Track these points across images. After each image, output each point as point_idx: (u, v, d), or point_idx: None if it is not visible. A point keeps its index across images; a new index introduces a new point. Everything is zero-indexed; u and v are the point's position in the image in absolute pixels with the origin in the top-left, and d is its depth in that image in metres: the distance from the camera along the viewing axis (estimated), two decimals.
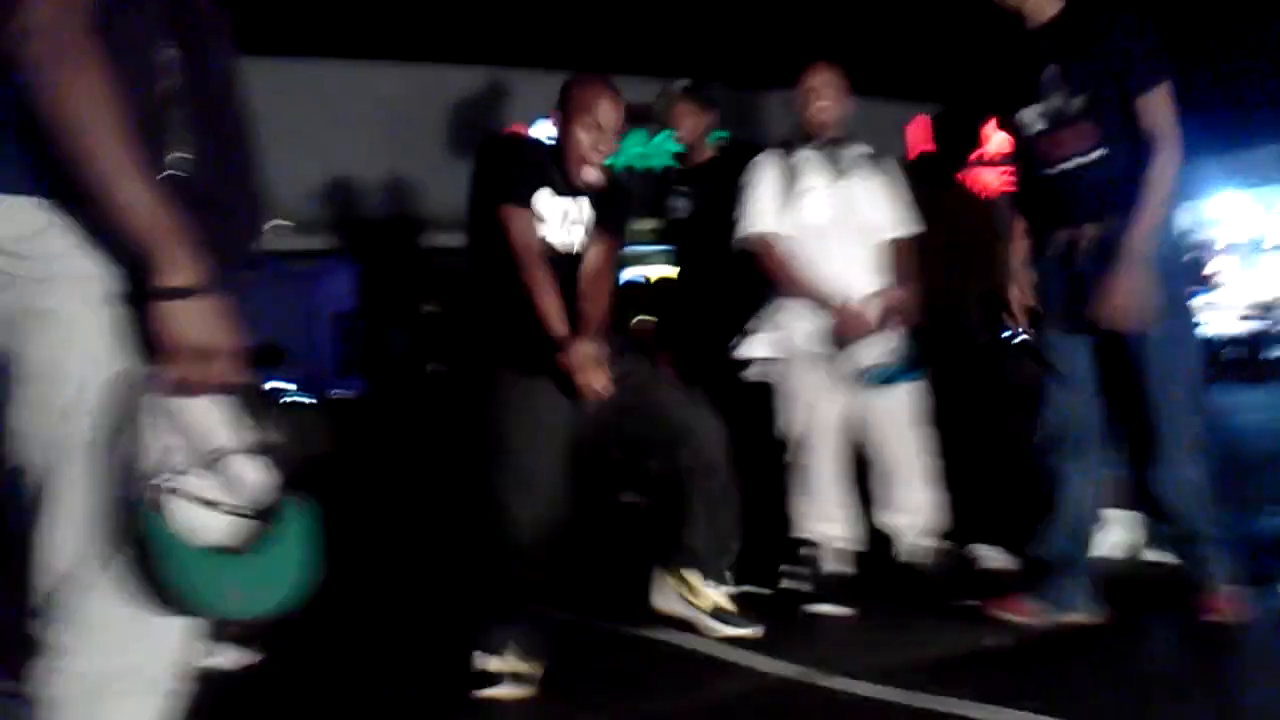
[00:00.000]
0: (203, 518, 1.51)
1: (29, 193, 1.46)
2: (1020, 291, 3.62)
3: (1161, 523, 3.52)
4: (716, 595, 3.35)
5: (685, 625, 3.47)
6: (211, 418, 1.54)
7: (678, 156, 4.73)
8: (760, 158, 4.06)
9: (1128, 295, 3.22)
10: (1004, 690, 2.87)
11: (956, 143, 4.83)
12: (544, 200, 3.29)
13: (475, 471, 3.29)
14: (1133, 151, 3.30)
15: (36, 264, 1.46)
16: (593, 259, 3.37)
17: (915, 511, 3.90)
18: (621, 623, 3.69)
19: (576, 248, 3.36)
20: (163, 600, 1.48)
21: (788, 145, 4.02)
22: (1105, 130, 3.33)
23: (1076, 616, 3.46)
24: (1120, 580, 3.71)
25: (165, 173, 1.50)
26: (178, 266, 1.43)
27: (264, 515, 1.56)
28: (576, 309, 3.23)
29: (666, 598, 3.35)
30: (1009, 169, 3.87)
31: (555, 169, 3.32)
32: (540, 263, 3.19)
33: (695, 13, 14.51)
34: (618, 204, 3.46)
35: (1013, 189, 3.75)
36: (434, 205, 11.73)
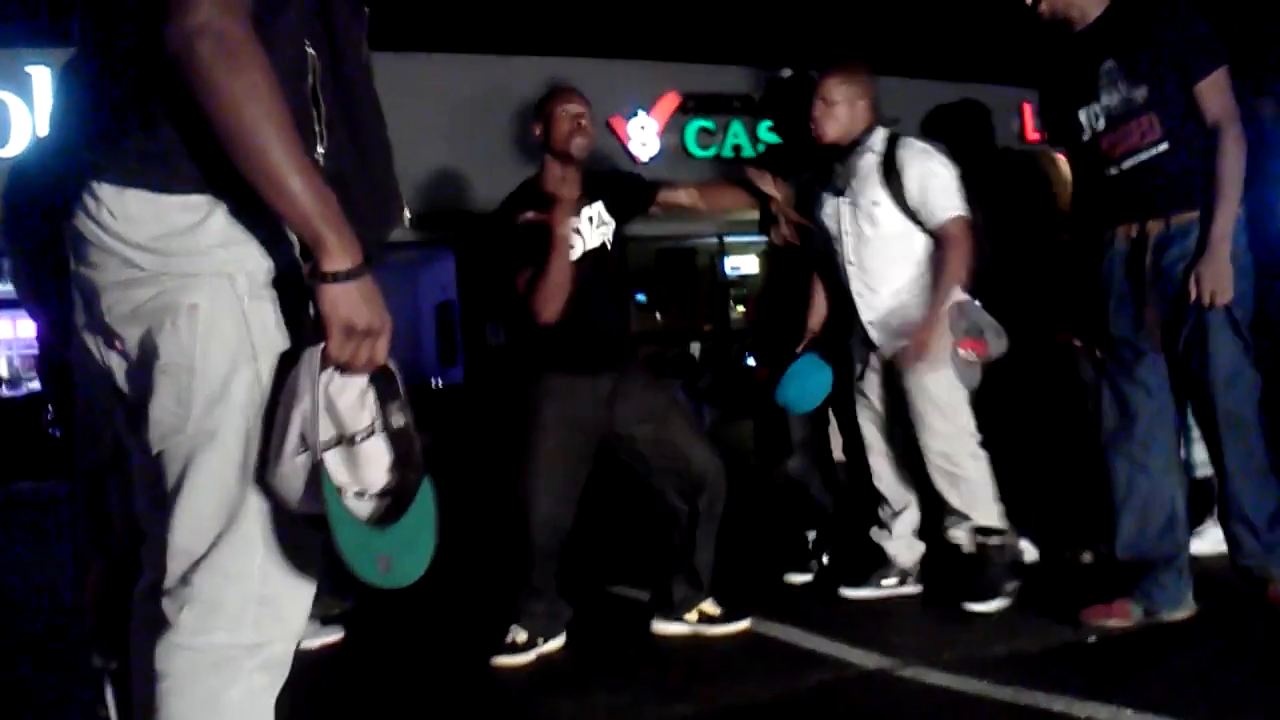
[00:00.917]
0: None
1: (178, 191, 1.49)
2: (1074, 294, 3.61)
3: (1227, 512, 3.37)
4: (703, 606, 3.71)
5: (774, 615, 3.78)
6: (356, 396, 1.58)
7: (777, 148, 4.70)
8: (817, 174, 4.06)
9: (1215, 279, 3.18)
10: (1090, 684, 2.81)
11: (972, 131, 4.66)
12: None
13: (508, 463, 3.61)
14: (1196, 143, 3.23)
15: (181, 260, 1.50)
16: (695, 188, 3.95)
17: (951, 508, 3.79)
18: None
19: (610, 242, 3.69)
20: (327, 588, 1.51)
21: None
22: (1168, 122, 3.25)
23: (1179, 614, 3.36)
24: (1223, 577, 3.59)
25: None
26: (343, 251, 1.47)
27: (394, 494, 1.60)
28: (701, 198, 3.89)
29: (664, 621, 3.72)
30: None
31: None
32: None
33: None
34: (621, 180, 3.86)
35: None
36: None
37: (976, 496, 3.76)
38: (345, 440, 1.57)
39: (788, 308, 4.44)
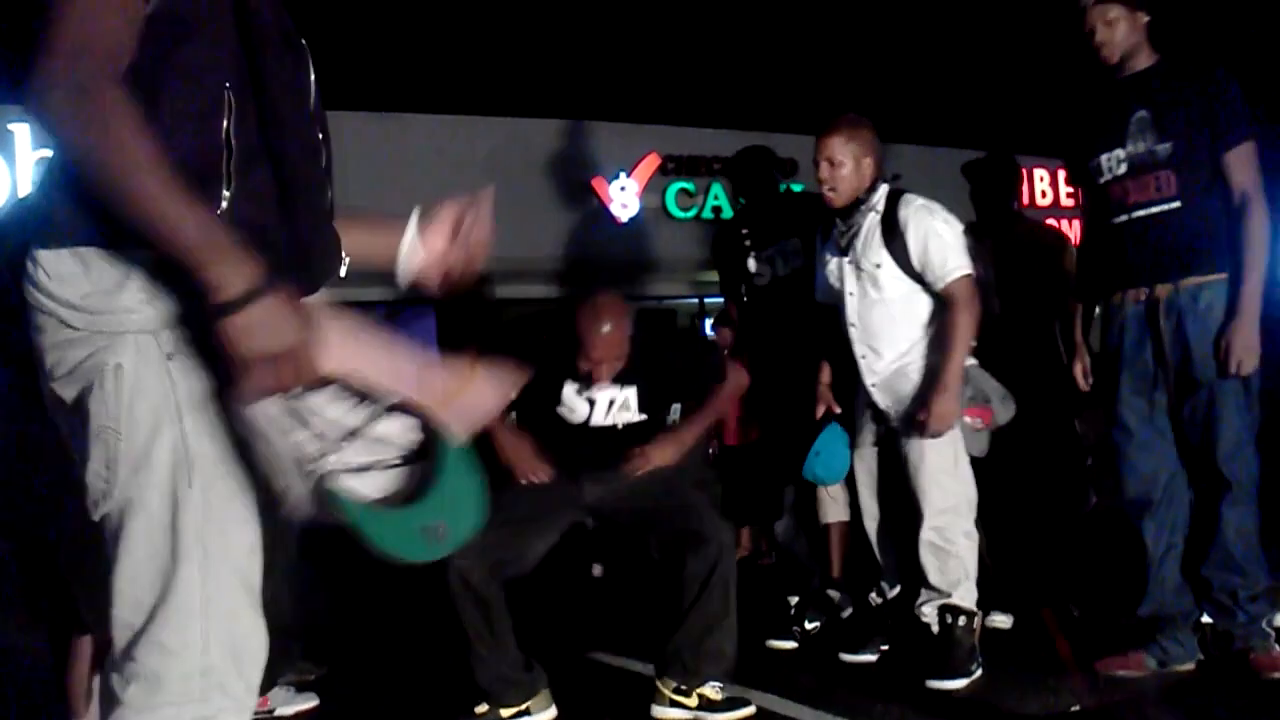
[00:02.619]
0: (367, 482, 1.52)
1: (98, 244, 1.46)
2: (1081, 359, 3.70)
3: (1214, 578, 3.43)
4: (705, 690, 3.44)
5: (757, 683, 3.64)
6: (334, 401, 1.53)
7: (745, 210, 4.71)
8: (821, 229, 4.02)
9: (1244, 347, 3.25)
10: None
11: (997, 189, 4.70)
12: (572, 389, 3.52)
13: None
14: (1208, 208, 3.32)
15: (107, 319, 1.47)
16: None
17: (930, 583, 3.73)
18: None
19: (625, 424, 3.55)
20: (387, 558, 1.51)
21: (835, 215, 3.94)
22: (1185, 182, 3.33)
23: (1188, 665, 3.44)
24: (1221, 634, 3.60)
25: (218, 209, 1.49)
26: (232, 277, 1.39)
27: (421, 455, 1.57)
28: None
29: (661, 707, 3.46)
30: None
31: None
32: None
33: (781, 64, 14.59)
34: (667, 381, 3.61)
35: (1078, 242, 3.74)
36: (513, 256, 11.87)
37: (960, 575, 3.69)
38: (355, 431, 1.53)
39: (770, 369, 4.45)
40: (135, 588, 1.48)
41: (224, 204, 1.50)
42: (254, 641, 1.56)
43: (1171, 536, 3.45)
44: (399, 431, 1.57)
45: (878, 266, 3.73)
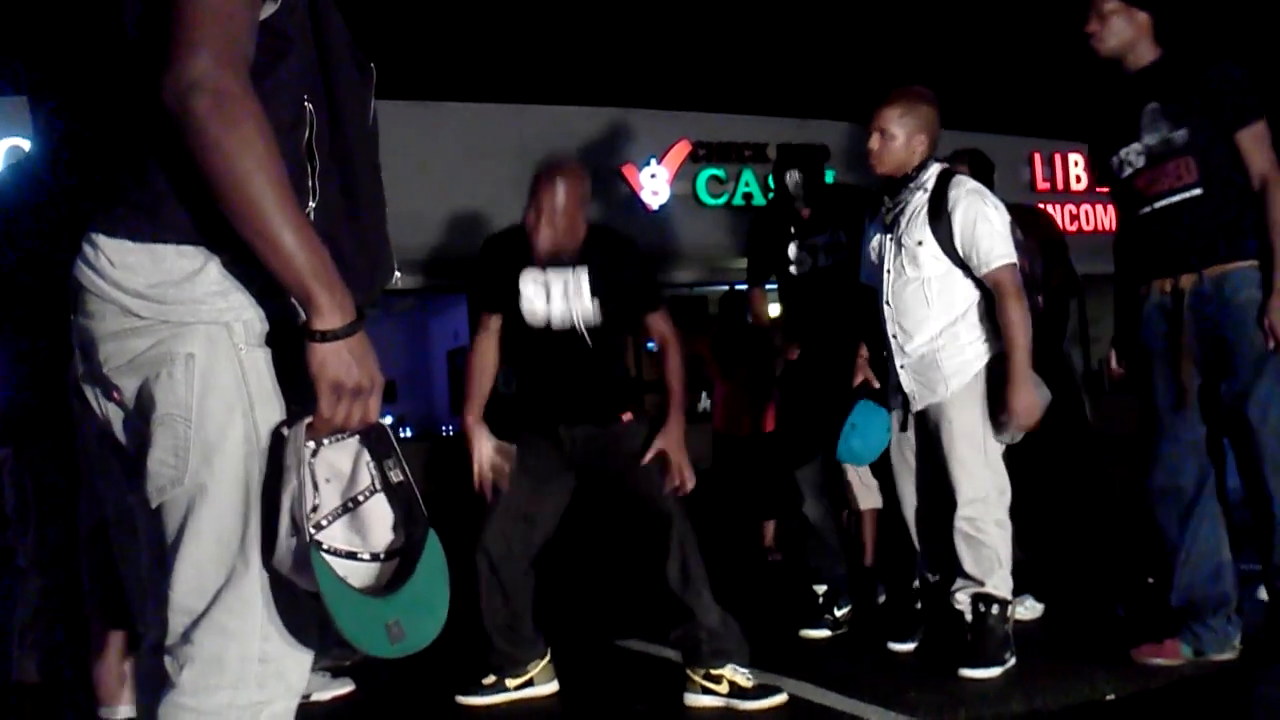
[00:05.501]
0: (346, 566, 1.52)
1: (175, 241, 1.47)
2: (1116, 351, 3.76)
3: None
4: (734, 676, 3.46)
5: (790, 671, 3.63)
6: (351, 458, 1.56)
7: (788, 198, 4.66)
8: (869, 209, 3.99)
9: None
10: None
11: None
12: (529, 277, 3.53)
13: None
14: (1231, 193, 3.32)
15: (178, 309, 1.48)
16: (657, 340, 3.67)
17: (965, 571, 3.71)
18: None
19: (583, 319, 3.52)
20: (334, 641, 1.49)
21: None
22: (1205, 166, 3.33)
23: (1225, 655, 3.42)
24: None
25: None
26: (335, 308, 1.45)
27: (403, 554, 1.57)
28: (667, 385, 3.59)
29: (694, 694, 3.50)
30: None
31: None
32: (475, 376, 3.71)
33: (811, 50, 14.53)
34: (618, 269, 3.56)
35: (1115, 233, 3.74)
36: None
37: (993, 564, 3.67)
38: (349, 503, 1.55)
39: (803, 360, 4.43)
40: (200, 573, 1.50)
41: (310, 217, 1.52)
42: (310, 630, 1.57)
43: (1201, 526, 3.43)
44: (384, 517, 1.57)
45: (919, 244, 3.69)
